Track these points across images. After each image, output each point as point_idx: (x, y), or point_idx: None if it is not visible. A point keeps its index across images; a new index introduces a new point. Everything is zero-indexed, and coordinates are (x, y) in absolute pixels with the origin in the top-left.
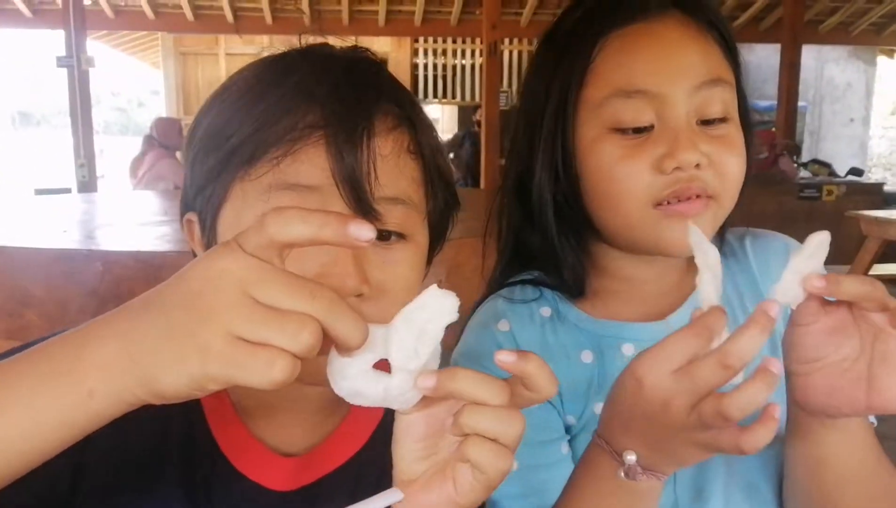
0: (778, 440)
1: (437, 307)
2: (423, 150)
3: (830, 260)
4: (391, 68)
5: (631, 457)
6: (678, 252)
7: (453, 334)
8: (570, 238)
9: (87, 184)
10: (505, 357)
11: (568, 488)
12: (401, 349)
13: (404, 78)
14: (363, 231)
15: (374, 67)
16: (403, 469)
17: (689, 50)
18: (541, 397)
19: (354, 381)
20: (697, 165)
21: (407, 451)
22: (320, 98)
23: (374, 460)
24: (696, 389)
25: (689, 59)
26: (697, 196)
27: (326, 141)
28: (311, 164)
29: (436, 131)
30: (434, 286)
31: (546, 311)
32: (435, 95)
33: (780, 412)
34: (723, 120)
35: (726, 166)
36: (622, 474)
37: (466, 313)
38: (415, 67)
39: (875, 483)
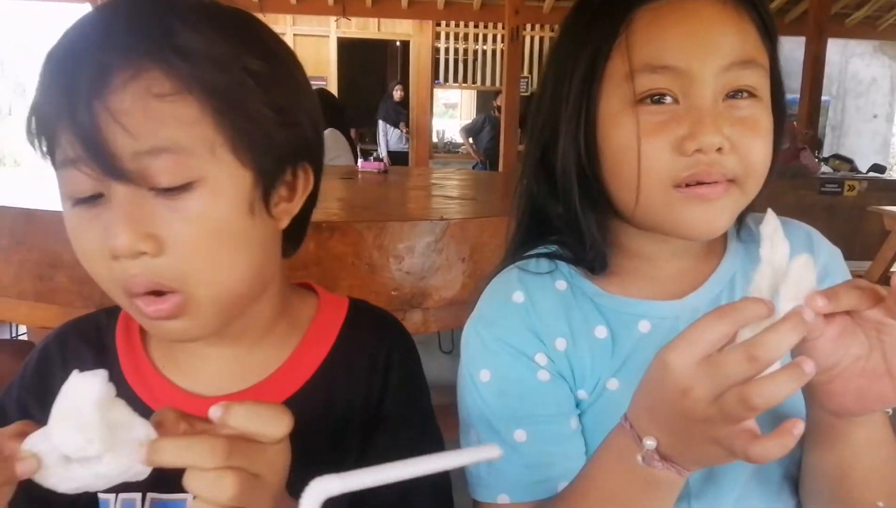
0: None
1: (80, 392)
2: (189, 84)
3: (853, 256)
4: (413, 52)
5: (651, 442)
6: (696, 235)
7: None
8: (589, 213)
9: None
10: (213, 413)
11: (587, 466)
12: (70, 446)
13: (425, 62)
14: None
15: (114, 13)
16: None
17: (722, 28)
18: (269, 440)
19: (50, 478)
20: (720, 149)
21: None
22: (55, 71)
23: (313, 403)
24: (719, 380)
25: (721, 38)
26: (718, 181)
27: (68, 111)
28: (67, 139)
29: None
30: (75, 373)
31: (561, 285)
32: (455, 80)
33: (800, 429)
34: (752, 96)
35: (750, 151)
36: (640, 459)
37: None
38: (436, 51)
39: (894, 474)
